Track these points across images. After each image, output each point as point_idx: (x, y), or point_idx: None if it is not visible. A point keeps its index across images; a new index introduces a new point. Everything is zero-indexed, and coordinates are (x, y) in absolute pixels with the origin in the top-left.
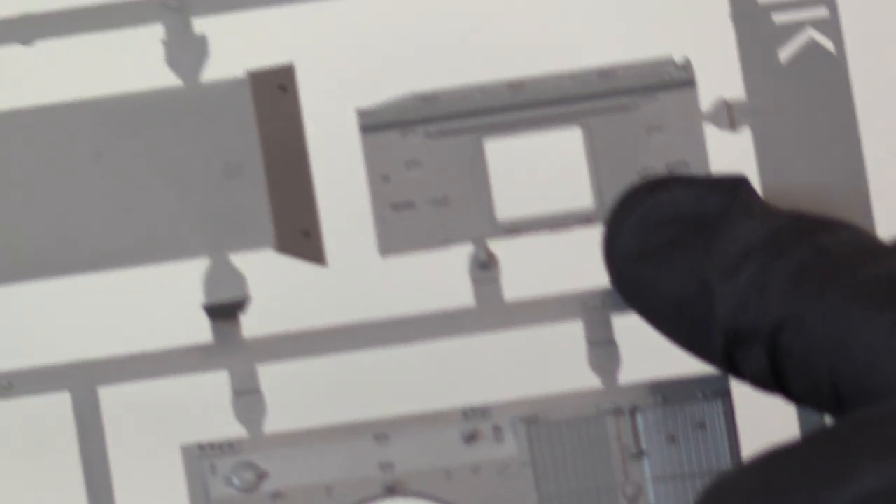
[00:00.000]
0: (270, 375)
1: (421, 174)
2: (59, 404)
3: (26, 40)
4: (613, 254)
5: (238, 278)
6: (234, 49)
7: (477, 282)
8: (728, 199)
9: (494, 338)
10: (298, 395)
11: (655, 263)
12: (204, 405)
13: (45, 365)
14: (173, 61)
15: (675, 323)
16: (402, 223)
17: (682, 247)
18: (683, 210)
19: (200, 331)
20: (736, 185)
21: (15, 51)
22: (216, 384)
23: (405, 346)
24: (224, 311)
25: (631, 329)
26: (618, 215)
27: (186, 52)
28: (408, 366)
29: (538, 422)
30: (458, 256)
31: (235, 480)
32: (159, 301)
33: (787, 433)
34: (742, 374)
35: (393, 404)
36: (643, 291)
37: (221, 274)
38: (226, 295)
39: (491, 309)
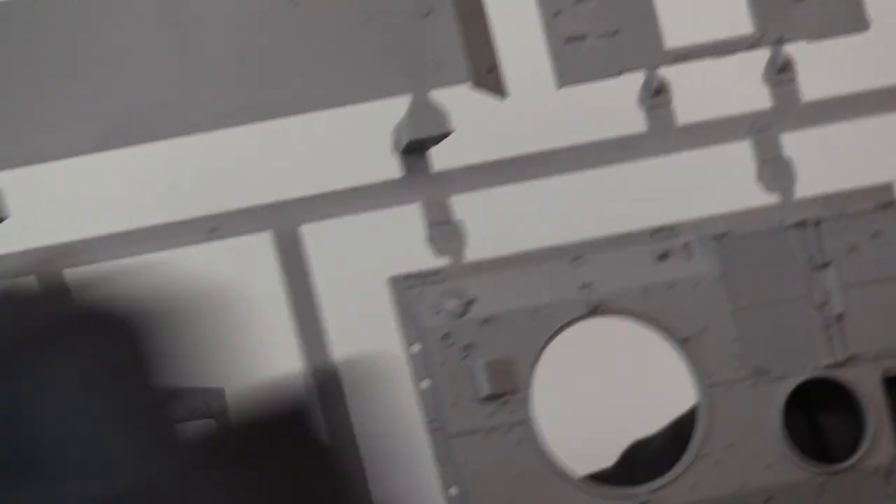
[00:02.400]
0: (464, 206)
1: (591, 8)
2: (263, 244)
3: None
4: None
5: (440, 113)
6: None
7: (649, 108)
8: None
9: (669, 161)
10: (492, 225)
11: None
12: (405, 239)
13: (249, 206)
14: None
15: None
16: (576, 55)
17: None
18: None
19: (392, 168)
20: None
21: None
22: (416, 218)
23: (583, 172)
24: (421, 147)
25: (801, 147)
26: None
27: None
28: (588, 192)
29: (726, 237)
30: (631, 84)
31: (444, 308)
32: (352, 140)
33: None
34: None
35: (583, 229)
36: None
37: (424, 110)
38: (430, 129)
39: (663, 133)
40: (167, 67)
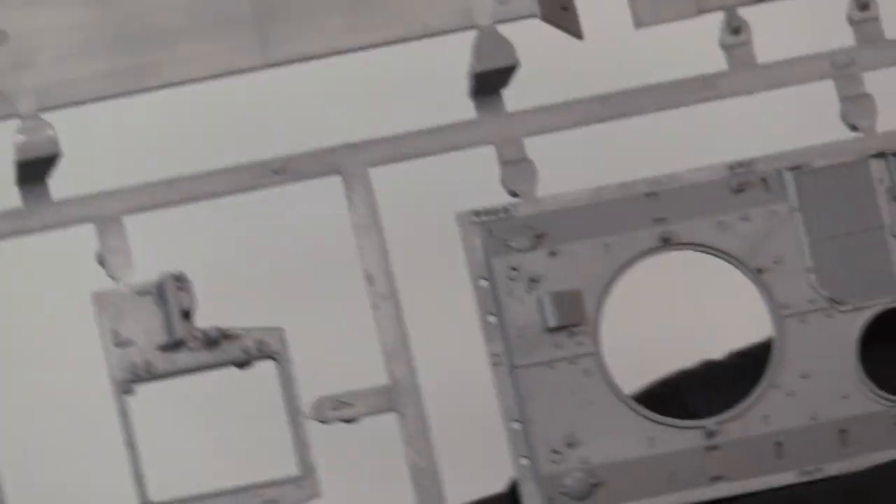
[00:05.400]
0: (535, 147)
1: None
2: (331, 187)
3: None
4: None
5: (507, 46)
6: None
7: (729, 47)
8: None
9: (750, 101)
10: (564, 163)
11: None
12: (474, 181)
13: (316, 148)
14: None
15: None
16: None
17: None
18: None
19: (464, 108)
20: None
21: None
22: (486, 158)
23: (662, 112)
24: (491, 84)
25: (881, 83)
26: None
27: None
28: (668, 130)
29: (803, 169)
30: (710, 23)
31: (513, 242)
32: (420, 80)
33: None
34: None
35: (660, 165)
36: None
37: (490, 43)
38: (495, 62)
39: (744, 72)
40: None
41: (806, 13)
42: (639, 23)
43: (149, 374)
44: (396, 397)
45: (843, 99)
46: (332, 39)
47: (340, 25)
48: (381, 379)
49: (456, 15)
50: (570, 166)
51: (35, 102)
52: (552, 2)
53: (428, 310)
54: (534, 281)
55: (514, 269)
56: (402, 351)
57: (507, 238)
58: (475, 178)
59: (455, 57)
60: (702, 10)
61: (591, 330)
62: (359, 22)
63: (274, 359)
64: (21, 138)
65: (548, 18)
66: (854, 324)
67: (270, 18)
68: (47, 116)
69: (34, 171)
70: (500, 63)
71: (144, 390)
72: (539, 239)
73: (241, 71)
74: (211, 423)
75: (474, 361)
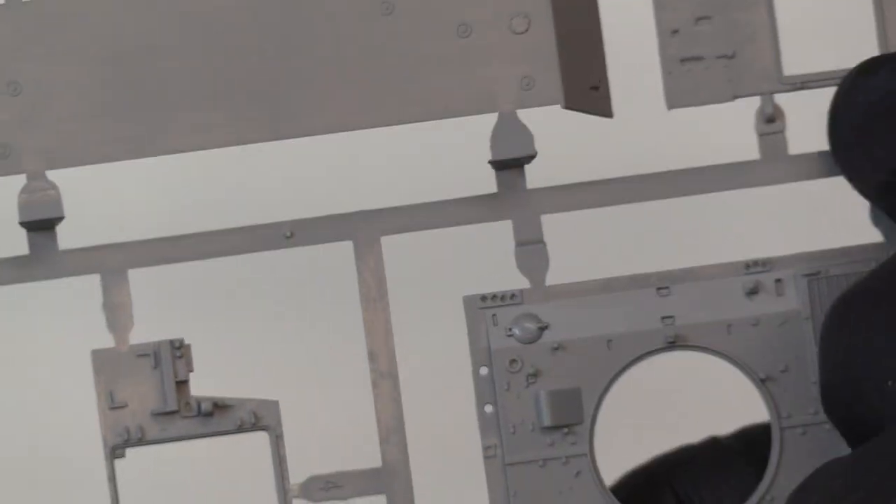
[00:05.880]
0: (553, 227)
1: (710, 28)
2: (342, 252)
3: None
4: (835, 124)
5: (525, 135)
6: None
7: (762, 135)
8: None
9: (779, 191)
10: (581, 248)
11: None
12: (486, 257)
13: (329, 214)
14: None
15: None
16: (690, 77)
17: None
18: None
19: (485, 182)
20: None
21: None
22: (499, 235)
23: (689, 197)
24: (511, 164)
25: None
26: (843, 87)
27: None
28: (692, 218)
29: (820, 276)
30: (745, 109)
31: (517, 331)
32: (445, 154)
33: None
34: None
35: (676, 257)
36: (860, 166)
37: (509, 130)
38: (513, 151)
39: (776, 162)
40: (262, 72)
41: None
42: (671, 104)
43: (140, 440)
44: (387, 480)
45: None
46: (346, 117)
47: (356, 103)
48: (374, 459)
49: (479, 98)
50: (584, 252)
51: (42, 162)
52: (580, 84)
53: (425, 392)
54: (533, 376)
55: (514, 360)
56: (397, 433)
57: (511, 327)
58: (489, 259)
59: (484, 126)
60: (737, 95)
61: (586, 430)
62: (376, 100)
63: (267, 432)
64: (24, 198)
65: (572, 106)
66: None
67: (284, 91)
68: (53, 174)
69: (39, 225)
70: (518, 153)
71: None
72: (543, 331)
73: (250, 142)
74: (199, 488)
75: (468, 449)
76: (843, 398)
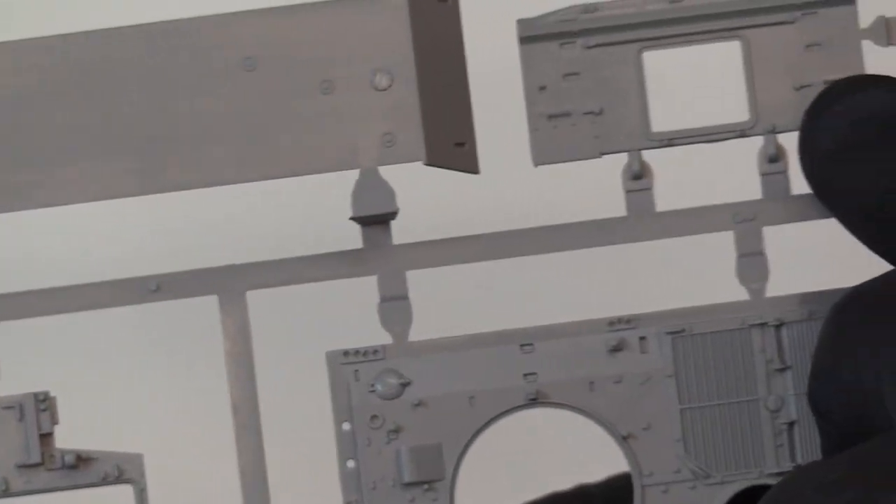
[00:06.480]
0: (419, 281)
1: (578, 85)
2: (207, 307)
3: None
4: (810, 151)
5: (387, 191)
6: None
7: (629, 192)
8: None
9: (644, 247)
10: (444, 305)
11: (853, 161)
12: (351, 311)
13: (195, 269)
14: None
15: (868, 221)
16: (557, 133)
17: (881, 146)
18: (880, 110)
19: (351, 237)
20: None
21: None
22: (363, 291)
23: (555, 254)
24: (373, 221)
25: (782, 241)
26: (814, 113)
27: None
28: (557, 274)
29: (684, 334)
30: (612, 166)
31: (378, 387)
32: (309, 208)
33: None
34: None
35: (540, 313)
36: (839, 188)
37: (370, 187)
38: (374, 208)
39: (642, 219)
40: (129, 127)
41: (713, 161)
42: (538, 161)
43: (5, 492)
44: None
45: (740, 256)
46: (211, 172)
47: (224, 158)
48: None
49: (341, 155)
50: (448, 308)
51: None
52: (445, 140)
53: (289, 446)
54: (394, 432)
55: (376, 416)
56: (260, 487)
57: (373, 383)
58: (354, 313)
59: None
60: (604, 152)
61: (447, 486)
62: (243, 156)
63: (132, 485)
64: None
65: (434, 162)
66: (717, 497)
67: (154, 145)
68: None
69: None
70: (379, 209)
71: None
72: (405, 387)
73: (118, 196)
74: None
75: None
76: (832, 396)
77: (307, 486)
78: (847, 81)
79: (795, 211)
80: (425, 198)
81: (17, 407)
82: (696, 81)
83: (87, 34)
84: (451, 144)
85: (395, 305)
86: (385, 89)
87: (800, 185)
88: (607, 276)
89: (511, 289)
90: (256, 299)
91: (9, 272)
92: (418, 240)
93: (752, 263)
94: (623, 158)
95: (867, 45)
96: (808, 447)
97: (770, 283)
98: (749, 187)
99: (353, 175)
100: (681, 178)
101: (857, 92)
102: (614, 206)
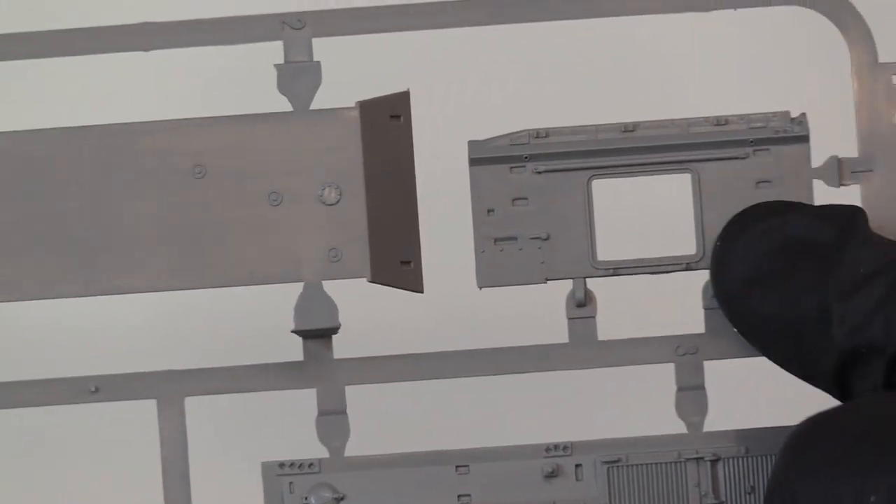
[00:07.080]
0: (356, 398)
1: (526, 210)
2: (145, 410)
3: (146, 47)
4: (723, 276)
5: (330, 307)
6: (346, 77)
7: (572, 319)
8: (845, 226)
9: (585, 375)
10: (383, 421)
11: (768, 286)
12: (287, 423)
13: (134, 372)
14: (284, 86)
15: (785, 345)
16: (503, 256)
17: (796, 272)
18: (794, 236)
19: (292, 348)
20: (853, 214)
21: (134, 60)
22: (301, 403)
23: (495, 377)
24: (315, 335)
25: (722, 376)
26: (728, 239)
27: (299, 77)
28: (495, 397)
29: (619, 464)
30: (556, 292)
31: (313, 500)
32: (252, 318)
33: None
34: (852, 394)
35: (477, 435)
36: (753, 314)
37: (313, 301)
38: (316, 323)
39: (584, 347)
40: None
41: (659, 291)
42: (482, 283)
43: None
44: None
45: (681, 389)
46: (156, 278)
47: (168, 264)
48: None
49: (285, 267)
50: (387, 424)
51: None
52: (390, 258)
53: None
54: None
55: None
56: None
57: (308, 496)
58: (293, 424)
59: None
60: (549, 278)
61: None
62: (187, 263)
63: None
64: None
65: (379, 280)
66: None
67: (96, 248)
68: None
69: None
70: (321, 324)
71: None
72: (339, 502)
73: (61, 297)
74: None
75: None
76: None
77: None
78: (757, 208)
79: (738, 346)
80: (368, 313)
81: None
82: (645, 211)
83: (35, 132)
84: (397, 262)
85: (333, 420)
86: (333, 204)
87: None
88: (547, 400)
89: (450, 408)
90: (195, 405)
91: None
92: (360, 355)
93: (691, 398)
94: (568, 285)
95: (817, 185)
96: None
97: (708, 417)
98: (692, 320)
99: (298, 285)
100: (624, 308)
101: (771, 217)
102: (557, 330)
